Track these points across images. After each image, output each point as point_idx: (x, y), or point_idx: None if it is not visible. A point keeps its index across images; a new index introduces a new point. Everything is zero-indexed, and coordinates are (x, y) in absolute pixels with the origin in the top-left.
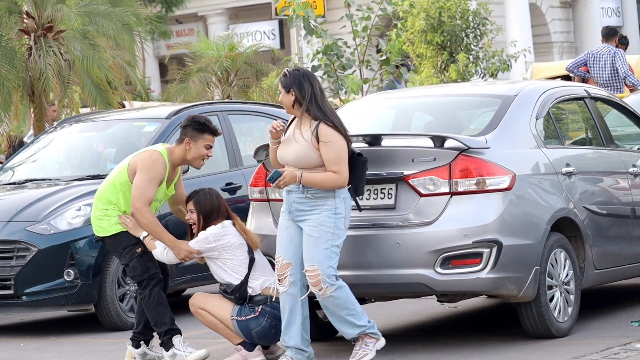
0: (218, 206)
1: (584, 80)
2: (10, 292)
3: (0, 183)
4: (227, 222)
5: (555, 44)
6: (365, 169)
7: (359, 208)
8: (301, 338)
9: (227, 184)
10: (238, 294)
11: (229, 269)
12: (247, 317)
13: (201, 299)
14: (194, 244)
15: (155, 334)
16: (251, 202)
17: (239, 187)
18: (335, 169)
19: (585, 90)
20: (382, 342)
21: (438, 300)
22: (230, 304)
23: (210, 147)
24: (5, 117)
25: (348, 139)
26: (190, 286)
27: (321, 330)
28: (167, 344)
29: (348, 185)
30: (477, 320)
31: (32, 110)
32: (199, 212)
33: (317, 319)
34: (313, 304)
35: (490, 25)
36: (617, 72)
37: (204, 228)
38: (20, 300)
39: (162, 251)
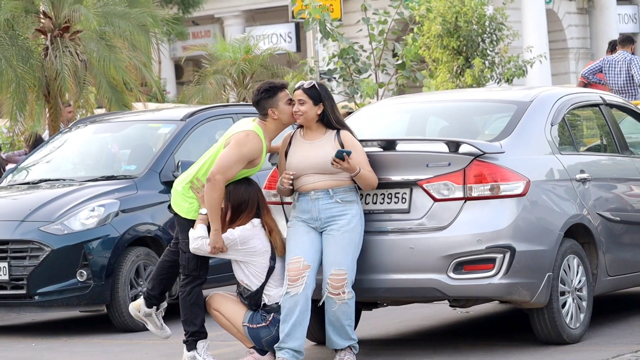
0: (247, 199)
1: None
2: (23, 291)
3: (15, 183)
4: (257, 221)
5: (572, 50)
6: None
7: None
8: (303, 341)
9: None
10: (252, 300)
11: (249, 273)
12: (258, 325)
13: (217, 299)
14: (225, 239)
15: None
16: None
17: None
18: (369, 169)
19: (600, 97)
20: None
21: (450, 305)
22: (243, 309)
23: (292, 100)
24: (20, 116)
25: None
26: (211, 287)
27: None
28: (190, 345)
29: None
30: (489, 325)
31: (47, 110)
32: (228, 204)
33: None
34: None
35: (507, 30)
36: (633, 79)
37: (231, 220)
38: (32, 300)
39: (198, 236)
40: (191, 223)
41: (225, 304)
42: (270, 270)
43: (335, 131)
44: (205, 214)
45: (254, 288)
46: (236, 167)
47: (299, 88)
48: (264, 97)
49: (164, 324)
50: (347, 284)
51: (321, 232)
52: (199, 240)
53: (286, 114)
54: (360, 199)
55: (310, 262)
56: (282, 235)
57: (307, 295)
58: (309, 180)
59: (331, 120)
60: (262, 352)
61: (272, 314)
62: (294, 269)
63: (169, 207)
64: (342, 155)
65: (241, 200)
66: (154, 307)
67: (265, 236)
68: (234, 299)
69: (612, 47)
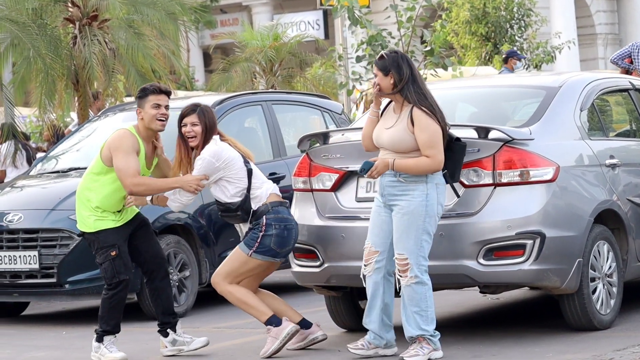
0: (215, 121)
1: (628, 72)
2: (53, 280)
3: (45, 172)
4: (216, 137)
5: (600, 36)
6: (463, 154)
7: (457, 194)
8: (380, 323)
9: (271, 174)
10: (243, 209)
11: (232, 187)
12: (258, 241)
13: (216, 272)
14: (198, 171)
15: (178, 318)
16: (295, 192)
17: (283, 177)
18: (428, 153)
19: (629, 82)
20: (439, 353)
21: (481, 292)
22: (236, 251)
23: (159, 105)
24: (49, 105)
25: (443, 123)
26: None
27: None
28: (99, 337)
29: (444, 170)
30: (519, 312)
31: (76, 99)
32: (204, 124)
33: (359, 310)
34: (355, 294)
35: (535, 16)
36: None
37: (204, 143)
38: (63, 289)
39: (174, 197)
40: (98, 234)
41: (222, 267)
42: (250, 172)
43: (411, 106)
44: (153, 196)
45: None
46: (132, 160)
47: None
48: (138, 97)
49: (193, 337)
50: (411, 267)
51: (391, 210)
52: (177, 196)
53: (148, 116)
54: None
55: (378, 246)
56: (241, 145)
57: (376, 279)
58: (382, 154)
59: (407, 93)
60: (278, 321)
61: (263, 217)
62: (365, 254)
63: (78, 234)
64: (365, 170)
65: (214, 122)
66: (172, 332)
67: (229, 145)
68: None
69: None
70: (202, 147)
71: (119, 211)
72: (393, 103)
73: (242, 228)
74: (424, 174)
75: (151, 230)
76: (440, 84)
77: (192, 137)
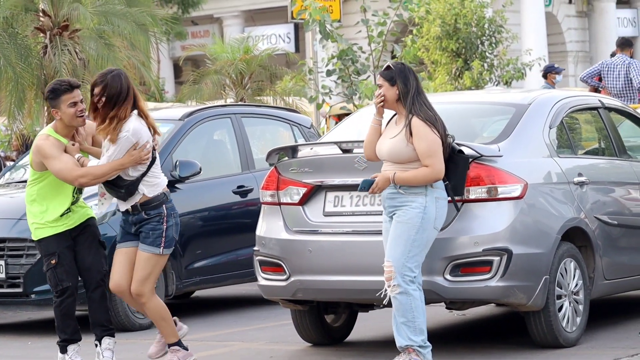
0: (125, 87)
1: (597, 90)
2: (20, 290)
3: (12, 181)
4: (135, 111)
5: (570, 53)
6: (467, 167)
7: (457, 208)
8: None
9: (239, 187)
10: (129, 189)
11: (128, 172)
12: (164, 235)
13: (137, 284)
14: (121, 149)
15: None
16: (262, 206)
17: (251, 190)
18: (427, 162)
19: (599, 100)
20: None
21: (447, 308)
22: (145, 255)
23: (75, 102)
24: (19, 114)
25: (444, 133)
26: (199, 288)
27: (329, 335)
28: (62, 349)
29: (446, 181)
30: (485, 328)
31: (45, 108)
32: (103, 94)
33: (324, 324)
34: (321, 308)
35: (506, 33)
36: (631, 83)
37: (105, 110)
38: (29, 299)
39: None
40: (40, 243)
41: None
42: (153, 160)
43: (410, 116)
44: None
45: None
46: (64, 159)
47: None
48: (50, 98)
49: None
50: (395, 276)
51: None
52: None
53: (68, 116)
54: (357, 201)
55: None
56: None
57: (409, 291)
58: (385, 166)
59: (410, 104)
60: (185, 347)
61: (163, 208)
62: (386, 273)
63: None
64: (365, 188)
65: (117, 91)
66: (99, 345)
67: (145, 126)
68: (121, 262)
69: (621, 45)
70: (112, 117)
71: (65, 214)
72: (397, 115)
73: (120, 206)
74: (425, 184)
75: (93, 239)
76: None
77: (87, 111)
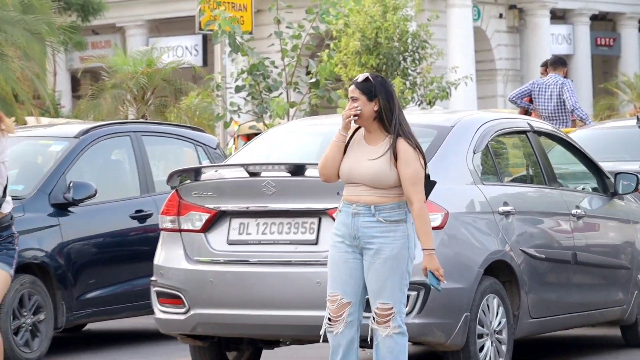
0: None
1: (527, 112)
2: None
3: None
4: None
5: (500, 72)
6: (429, 192)
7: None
8: None
9: (137, 211)
10: None
11: None
12: (16, 257)
13: None
14: None
15: None
16: (161, 232)
17: (150, 215)
18: (412, 190)
19: (528, 124)
20: None
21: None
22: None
23: None
24: None
25: (425, 161)
26: (92, 320)
27: None
28: None
29: None
30: None
31: None
32: None
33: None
34: (223, 344)
35: (431, 48)
36: (564, 105)
37: None
38: None
39: None
40: None
41: None
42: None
43: (395, 137)
44: None
45: None
46: None
47: (352, 83)
48: None
49: None
50: (394, 317)
51: (361, 253)
52: None
53: None
54: (265, 229)
55: (350, 297)
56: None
57: (350, 335)
58: (355, 190)
59: (385, 122)
60: None
61: (12, 228)
62: (333, 310)
63: None
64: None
65: None
66: None
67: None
68: None
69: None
70: None
71: None
72: (361, 132)
73: None
74: (428, 219)
75: None
76: (324, 119)
77: None
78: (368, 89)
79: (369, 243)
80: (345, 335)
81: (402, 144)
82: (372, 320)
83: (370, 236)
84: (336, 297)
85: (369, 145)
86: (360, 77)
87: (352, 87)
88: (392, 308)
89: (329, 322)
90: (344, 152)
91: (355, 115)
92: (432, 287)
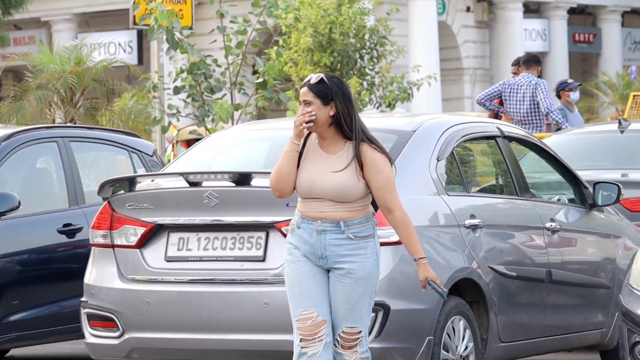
0: None
1: (497, 115)
2: None
3: None
4: None
5: (467, 71)
6: None
7: None
8: None
9: (65, 225)
10: None
11: None
12: None
13: None
14: None
15: None
16: (92, 248)
17: (80, 230)
18: (388, 198)
19: (497, 128)
20: None
21: None
22: None
23: None
24: None
25: (392, 161)
26: (15, 345)
27: None
28: None
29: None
30: None
31: None
32: None
33: None
34: None
35: (390, 45)
36: (538, 107)
37: None
38: None
39: None
40: None
41: None
42: None
43: (356, 143)
44: None
45: None
46: None
47: (304, 85)
48: None
49: None
50: (361, 341)
51: (328, 270)
52: None
53: None
54: (207, 244)
55: (325, 315)
56: None
57: (328, 357)
58: (317, 206)
59: (344, 128)
60: None
61: None
62: (307, 328)
63: None
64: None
65: None
66: None
67: None
68: None
69: (527, 62)
70: None
71: None
72: (314, 139)
73: None
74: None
75: None
76: (272, 123)
77: None
78: (323, 91)
79: (338, 262)
80: (325, 356)
81: (368, 151)
82: (337, 344)
83: (339, 255)
84: (310, 315)
85: (328, 154)
86: (314, 78)
87: (305, 89)
88: (360, 332)
89: (303, 344)
90: (298, 163)
91: (309, 122)
92: (440, 296)
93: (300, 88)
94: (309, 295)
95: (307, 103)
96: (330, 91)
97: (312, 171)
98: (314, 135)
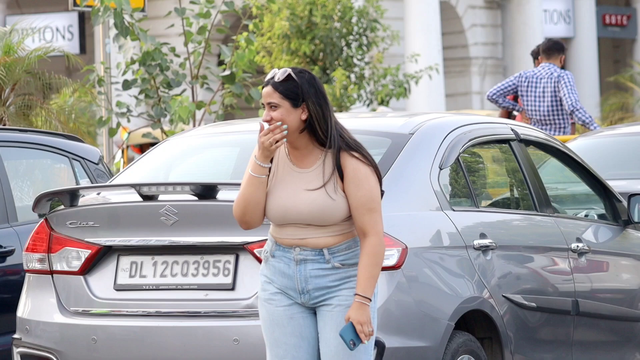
0: None
1: (511, 114)
2: None
3: None
4: None
5: (475, 61)
6: None
7: None
8: None
9: None
10: None
11: None
12: None
13: None
14: None
15: None
16: (27, 275)
17: (11, 253)
18: (368, 218)
19: (512, 130)
20: None
21: None
22: None
23: None
24: None
25: (379, 174)
26: None
27: None
28: None
29: None
30: None
31: None
32: None
33: None
34: None
35: (383, 31)
36: (561, 104)
37: None
38: None
39: None
40: None
41: None
42: None
43: (336, 152)
44: None
45: None
46: None
47: (267, 83)
48: None
49: None
50: None
51: (313, 309)
52: None
53: None
54: (164, 269)
55: None
56: None
57: None
58: (294, 232)
59: (318, 134)
60: None
61: None
62: None
63: None
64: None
65: None
66: None
67: None
68: None
69: (548, 50)
70: None
71: None
72: (282, 151)
73: None
74: (380, 264)
75: None
76: (241, 125)
77: None
78: (292, 90)
79: (324, 297)
80: None
81: (348, 160)
82: None
83: (325, 288)
84: None
85: (300, 169)
86: (279, 74)
87: (268, 89)
88: None
89: None
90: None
91: (281, 139)
92: (344, 342)
93: (262, 88)
94: (283, 342)
95: (272, 106)
96: (301, 90)
97: (284, 193)
98: (282, 150)
